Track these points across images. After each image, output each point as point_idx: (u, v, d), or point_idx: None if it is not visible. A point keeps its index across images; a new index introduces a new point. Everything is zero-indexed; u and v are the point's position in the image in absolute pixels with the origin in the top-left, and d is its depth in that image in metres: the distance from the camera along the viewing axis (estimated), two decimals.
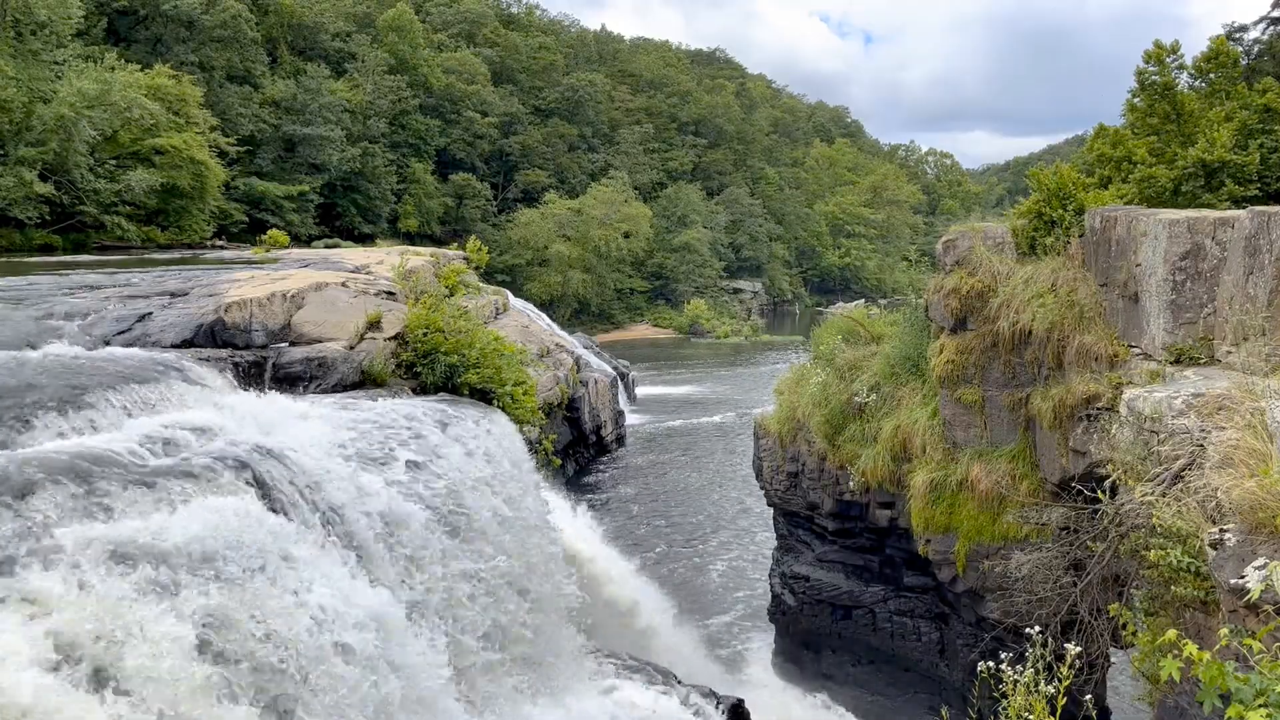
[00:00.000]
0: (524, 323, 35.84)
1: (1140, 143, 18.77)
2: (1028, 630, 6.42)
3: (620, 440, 40.59)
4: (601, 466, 37.37)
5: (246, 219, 61.28)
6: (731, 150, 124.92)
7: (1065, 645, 5.75)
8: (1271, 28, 27.25)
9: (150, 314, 12.48)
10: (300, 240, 57.31)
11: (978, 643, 14.73)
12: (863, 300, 70.60)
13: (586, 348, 46.07)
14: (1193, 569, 7.96)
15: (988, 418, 14.90)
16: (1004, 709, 5.64)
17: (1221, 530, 7.15)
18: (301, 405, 10.83)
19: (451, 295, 19.01)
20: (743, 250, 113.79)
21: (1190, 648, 3.90)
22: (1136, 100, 19.65)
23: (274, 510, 8.02)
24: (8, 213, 40.15)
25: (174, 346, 11.62)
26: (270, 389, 11.41)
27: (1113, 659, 14.40)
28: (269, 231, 35.79)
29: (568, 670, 12.46)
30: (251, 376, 11.57)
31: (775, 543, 21.82)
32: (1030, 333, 13.59)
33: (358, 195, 77.06)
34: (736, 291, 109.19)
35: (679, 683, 14.02)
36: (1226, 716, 3.59)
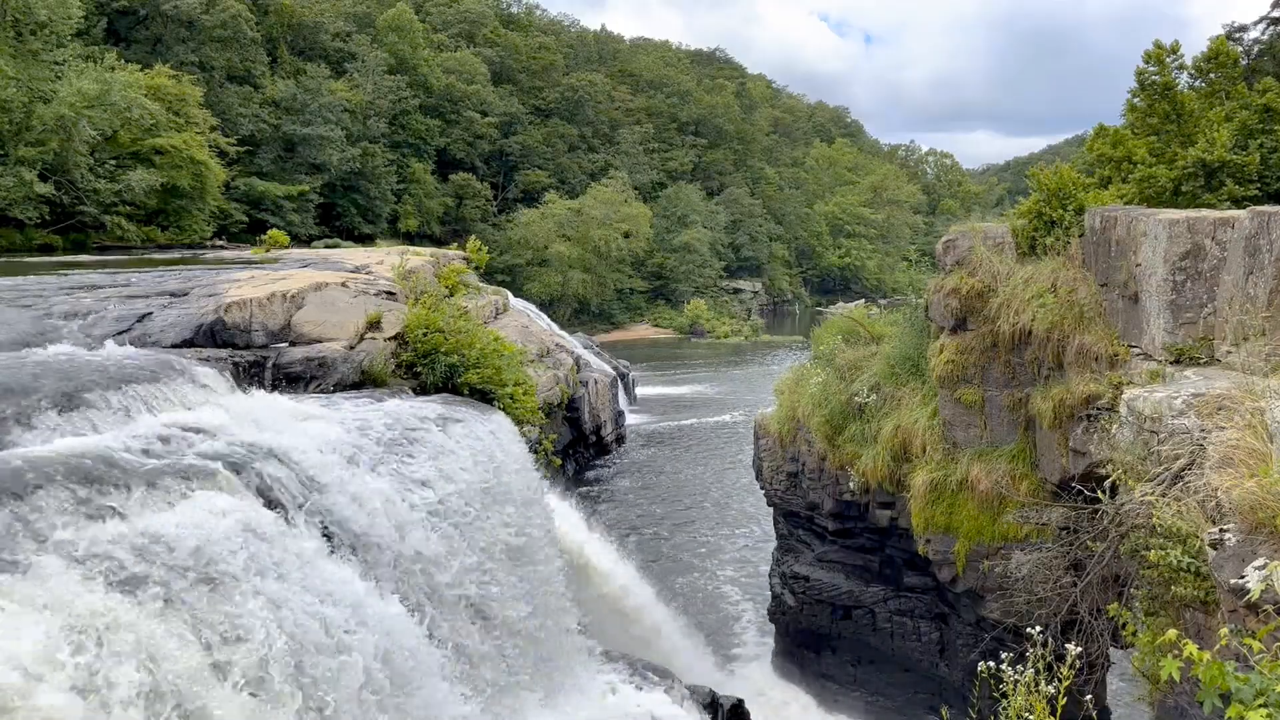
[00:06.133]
0: (524, 323, 35.78)
1: (1140, 143, 18.77)
2: (1028, 630, 6.42)
3: (620, 440, 40.59)
4: (601, 466, 37.39)
5: (246, 219, 61.29)
6: (731, 150, 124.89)
7: (1065, 645, 5.75)
8: (1271, 28, 27.26)
9: (150, 314, 12.48)
10: (300, 240, 57.25)
11: (978, 643, 14.74)
12: (863, 300, 70.74)
13: (586, 348, 46.02)
14: (1193, 569, 7.97)
15: (988, 418, 14.91)
16: (1004, 709, 5.64)
17: (1221, 530, 7.16)
18: (301, 405, 10.83)
19: (451, 295, 19.00)
20: (743, 250, 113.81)
21: (1190, 648, 3.90)
22: (1136, 100, 19.64)
23: (273, 510, 8.03)
24: (8, 213, 40.17)
25: (174, 346, 11.62)
26: (270, 389, 11.41)
27: (1113, 659, 14.40)
28: (269, 231, 35.75)
29: (567, 671, 12.46)
30: (252, 376, 11.57)
31: (775, 543, 21.82)
32: (1030, 333, 13.59)
33: (358, 195, 77.06)
34: (736, 291, 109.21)
35: (679, 683, 14.01)
36: (1226, 716, 3.59)
